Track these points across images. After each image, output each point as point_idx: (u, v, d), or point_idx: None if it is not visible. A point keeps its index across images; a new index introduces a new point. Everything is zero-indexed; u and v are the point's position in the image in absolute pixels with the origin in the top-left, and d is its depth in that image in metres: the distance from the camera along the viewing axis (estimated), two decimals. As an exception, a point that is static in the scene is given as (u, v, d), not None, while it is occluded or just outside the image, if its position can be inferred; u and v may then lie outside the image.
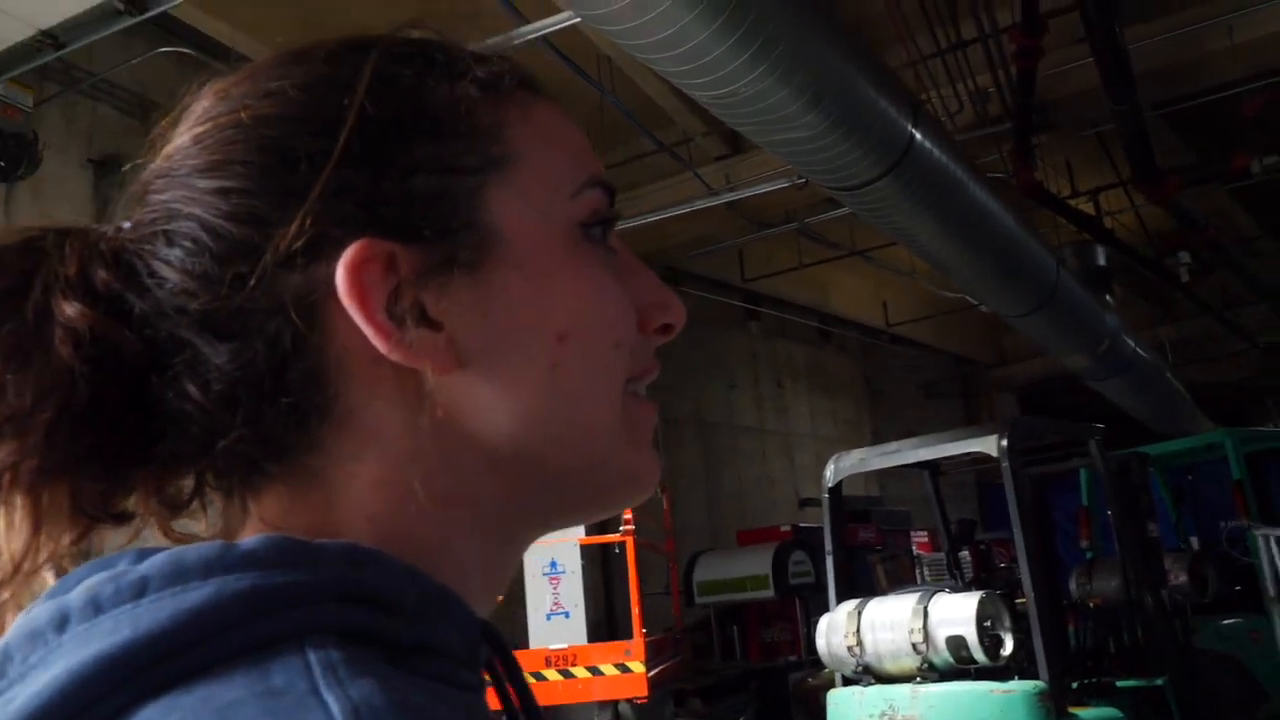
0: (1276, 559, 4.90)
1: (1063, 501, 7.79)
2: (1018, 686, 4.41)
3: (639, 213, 9.45)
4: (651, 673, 5.79)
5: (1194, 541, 7.49)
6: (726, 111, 5.58)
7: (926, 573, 5.79)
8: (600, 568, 6.60)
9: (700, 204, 8.98)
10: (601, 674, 5.64)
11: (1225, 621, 6.38)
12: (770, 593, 8.21)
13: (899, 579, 6.88)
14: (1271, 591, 4.99)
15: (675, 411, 12.21)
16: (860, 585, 5.65)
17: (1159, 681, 4.97)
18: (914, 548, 10.63)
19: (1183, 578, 6.41)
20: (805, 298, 13.55)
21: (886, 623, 4.77)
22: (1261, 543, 5.06)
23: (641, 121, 8.38)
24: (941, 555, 6.58)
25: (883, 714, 4.60)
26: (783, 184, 8.53)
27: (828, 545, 5.51)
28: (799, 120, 5.40)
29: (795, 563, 7.96)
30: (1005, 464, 4.82)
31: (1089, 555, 7.28)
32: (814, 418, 14.51)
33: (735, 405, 13.20)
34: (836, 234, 10.88)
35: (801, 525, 8.09)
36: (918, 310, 14.77)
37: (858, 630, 4.83)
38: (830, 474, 5.67)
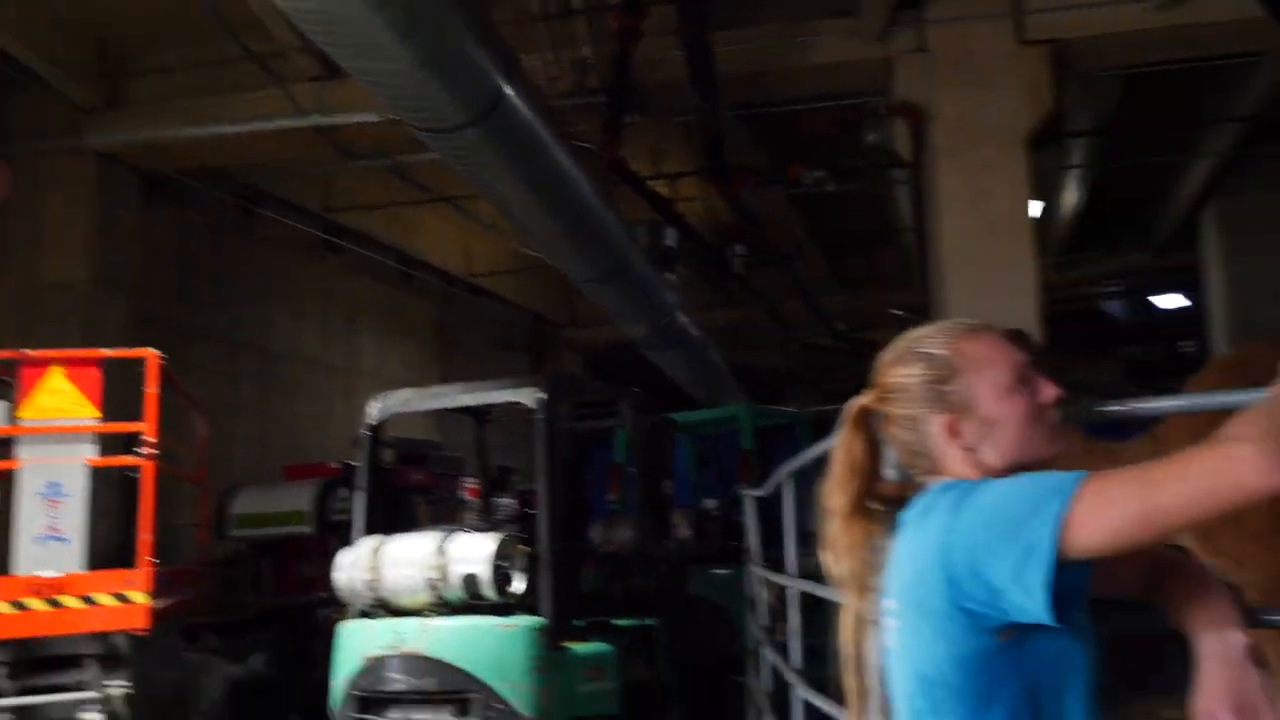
0: (750, 518, 5.56)
1: (603, 458, 8.35)
2: (519, 622, 4.67)
3: (218, 122, 8.81)
4: (161, 605, 5.46)
5: (712, 502, 8.31)
6: (313, 29, 5.34)
7: (469, 517, 6.03)
8: (122, 493, 6.11)
9: (285, 123, 8.54)
10: (96, 604, 5.24)
11: (717, 571, 7.21)
12: (310, 529, 8.09)
13: (442, 521, 7.04)
14: (747, 546, 5.65)
15: (236, 338, 11.56)
16: (404, 526, 5.68)
17: (650, 622, 5.48)
18: (464, 493, 10.86)
19: (687, 532, 7.19)
20: (389, 237, 13.30)
21: (406, 559, 4.85)
22: (747, 503, 5.71)
23: (233, 25, 7.77)
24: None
25: (390, 645, 4.67)
26: (374, 118, 8.33)
27: (359, 481, 5.52)
28: (386, 51, 5.27)
29: (340, 499, 7.87)
30: (539, 416, 5.07)
31: (614, 508, 7.90)
32: (383, 358, 14.33)
33: (302, 337, 12.72)
34: (427, 177, 10.78)
35: (351, 464, 7.98)
36: (499, 264, 15.02)
37: (377, 566, 4.87)
38: (374, 412, 5.67)
